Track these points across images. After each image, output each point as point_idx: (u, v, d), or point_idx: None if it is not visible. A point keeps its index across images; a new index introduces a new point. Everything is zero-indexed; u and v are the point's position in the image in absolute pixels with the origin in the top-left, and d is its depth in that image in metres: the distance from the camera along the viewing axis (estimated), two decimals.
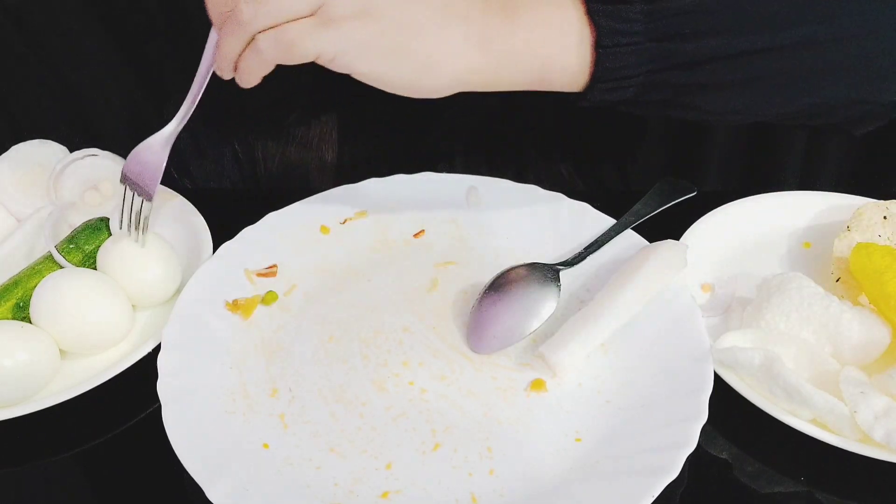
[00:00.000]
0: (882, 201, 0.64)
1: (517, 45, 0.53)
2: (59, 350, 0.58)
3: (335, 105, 0.82)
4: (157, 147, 0.59)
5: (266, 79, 0.62)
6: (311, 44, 0.50)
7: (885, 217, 0.62)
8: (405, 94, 0.53)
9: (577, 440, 0.52)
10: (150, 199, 0.60)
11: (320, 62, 0.51)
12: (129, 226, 0.61)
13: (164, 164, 0.59)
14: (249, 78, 0.52)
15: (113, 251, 0.62)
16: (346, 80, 0.65)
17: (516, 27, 0.53)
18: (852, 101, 0.57)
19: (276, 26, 0.49)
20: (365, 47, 0.51)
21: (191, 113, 0.58)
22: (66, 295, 0.57)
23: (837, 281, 0.61)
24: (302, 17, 0.50)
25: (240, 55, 0.52)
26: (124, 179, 0.61)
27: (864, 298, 0.59)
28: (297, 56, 0.50)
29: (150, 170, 0.59)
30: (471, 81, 0.54)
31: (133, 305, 0.61)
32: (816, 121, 0.61)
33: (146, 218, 0.61)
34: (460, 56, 0.52)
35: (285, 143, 0.83)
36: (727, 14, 0.53)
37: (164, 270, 0.62)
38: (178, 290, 0.62)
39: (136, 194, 0.60)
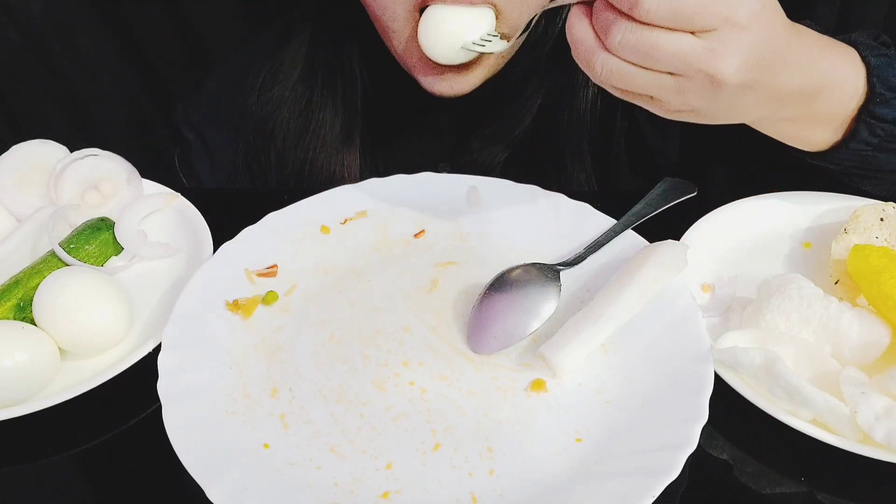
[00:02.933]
0: (879, 203, 0.64)
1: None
2: (60, 350, 0.58)
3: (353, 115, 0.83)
4: None
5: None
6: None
7: (881, 219, 0.62)
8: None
9: (578, 440, 0.52)
10: None
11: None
12: None
13: None
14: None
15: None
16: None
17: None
18: None
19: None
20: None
21: None
22: (68, 295, 0.57)
23: (836, 283, 0.61)
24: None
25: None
26: None
27: (862, 300, 0.59)
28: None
29: None
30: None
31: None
32: None
33: None
34: None
35: (298, 148, 0.84)
36: None
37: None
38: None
39: None
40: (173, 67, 1.21)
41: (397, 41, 0.72)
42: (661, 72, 0.49)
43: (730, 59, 0.48)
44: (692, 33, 0.47)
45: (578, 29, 0.50)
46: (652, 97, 0.51)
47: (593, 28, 0.50)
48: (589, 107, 0.80)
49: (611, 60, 0.49)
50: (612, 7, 0.48)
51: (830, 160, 0.64)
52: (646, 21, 0.47)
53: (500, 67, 0.76)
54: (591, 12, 0.50)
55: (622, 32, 0.48)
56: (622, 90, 0.51)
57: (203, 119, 0.89)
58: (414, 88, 0.76)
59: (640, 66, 0.49)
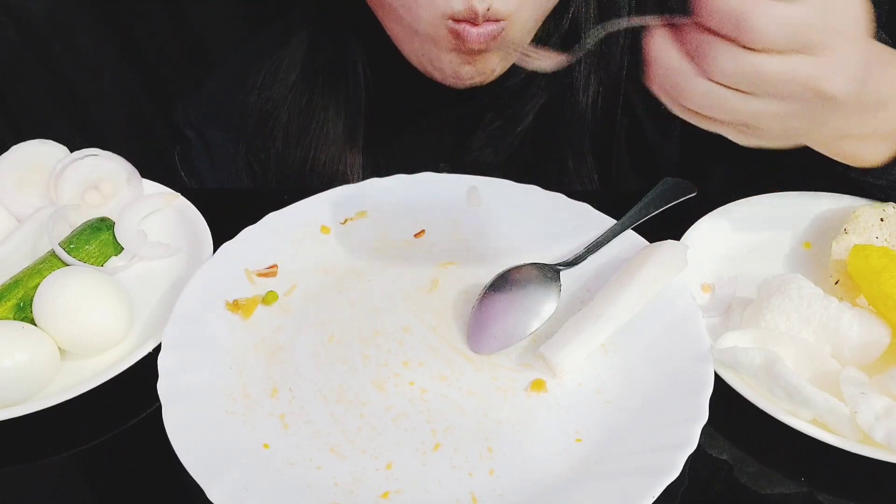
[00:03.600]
0: (879, 203, 0.64)
1: None
2: (60, 350, 0.58)
3: (352, 111, 0.83)
4: None
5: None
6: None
7: (882, 219, 0.62)
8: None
9: (578, 440, 0.52)
10: None
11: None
12: None
13: None
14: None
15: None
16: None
17: None
18: None
19: None
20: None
21: None
22: (68, 295, 0.57)
23: (836, 283, 0.61)
24: None
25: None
26: None
27: (862, 300, 0.59)
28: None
29: None
30: None
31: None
32: None
33: None
34: None
35: (299, 147, 0.83)
36: None
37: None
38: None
39: None
40: (173, 67, 1.21)
41: (419, 42, 0.71)
42: (766, 97, 0.44)
43: (842, 76, 0.44)
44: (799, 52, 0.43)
45: (667, 54, 0.45)
46: (747, 125, 0.46)
47: (683, 51, 0.44)
48: (590, 104, 0.80)
49: (709, 87, 0.44)
50: (708, 28, 0.43)
51: (879, 175, 0.62)
52: (757, 49, 0.42)
53: (514, 59, 0.75)
54: (677, 34, 0.45)
55: (724, 57, 0.43)
56: (712, 119, 0.46)
57: (203, 119, 0.89)
58: (415, 88, 0.76)
59: (744, 92, 0.44)
